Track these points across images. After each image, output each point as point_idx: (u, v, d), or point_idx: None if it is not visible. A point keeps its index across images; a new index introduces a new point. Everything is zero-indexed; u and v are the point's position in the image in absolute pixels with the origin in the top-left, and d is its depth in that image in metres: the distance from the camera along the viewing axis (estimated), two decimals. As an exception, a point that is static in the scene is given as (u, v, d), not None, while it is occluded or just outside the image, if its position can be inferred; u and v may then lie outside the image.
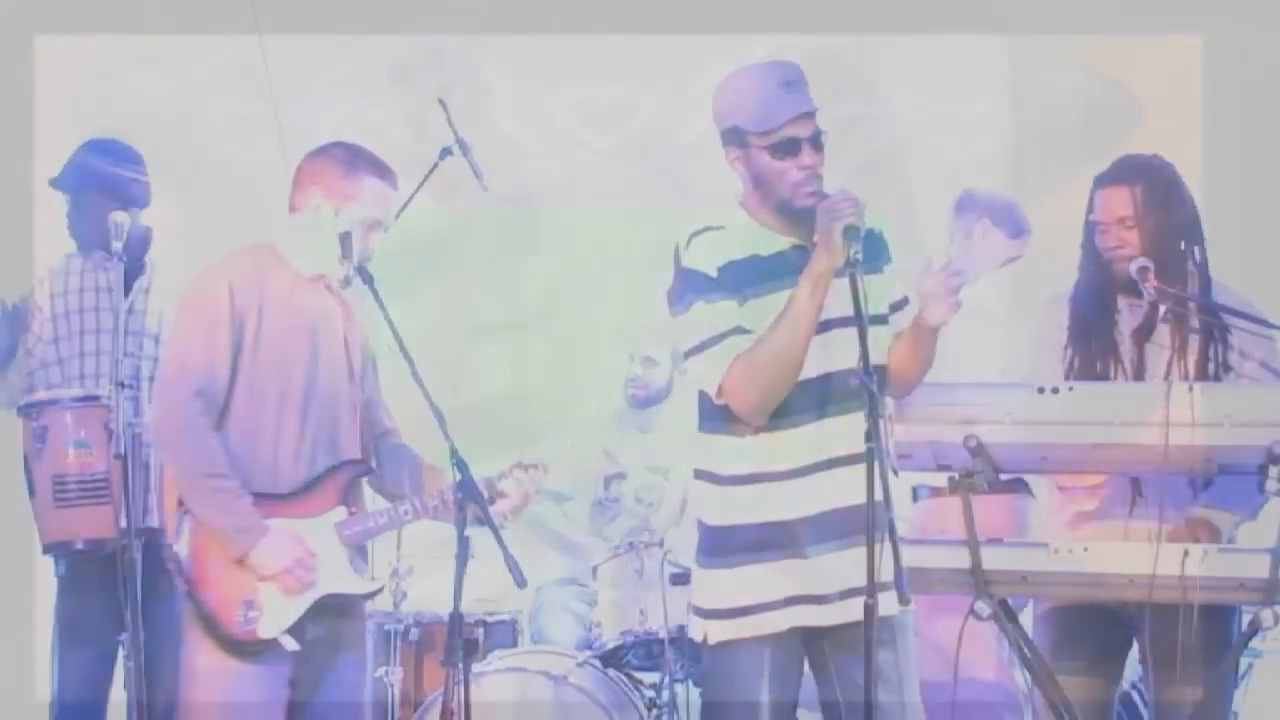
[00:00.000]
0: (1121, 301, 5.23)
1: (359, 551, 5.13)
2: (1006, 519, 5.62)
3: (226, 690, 4.95)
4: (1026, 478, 5.40)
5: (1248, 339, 5.16)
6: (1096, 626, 5.18)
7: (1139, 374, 5.17)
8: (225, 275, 5.01)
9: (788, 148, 4.50)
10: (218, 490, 4.92)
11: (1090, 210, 5.25)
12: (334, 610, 5.05)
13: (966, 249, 6.61)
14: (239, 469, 4.96)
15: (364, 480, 5.18)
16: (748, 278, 4.54)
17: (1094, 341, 5.22)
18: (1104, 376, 5.18)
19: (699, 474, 4.64)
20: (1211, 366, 5.15)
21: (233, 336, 4.96)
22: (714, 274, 4.54)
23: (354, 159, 5.08)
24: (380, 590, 5.15)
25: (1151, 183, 5.19)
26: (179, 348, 5.03)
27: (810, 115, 4.51)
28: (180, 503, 5.03)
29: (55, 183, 6.20)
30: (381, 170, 5.09)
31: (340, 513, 5.06)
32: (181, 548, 5.00)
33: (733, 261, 4.55)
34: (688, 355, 4.59)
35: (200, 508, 4.95)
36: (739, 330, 4.51)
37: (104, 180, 6.13)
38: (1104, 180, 5.24)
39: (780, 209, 4.55)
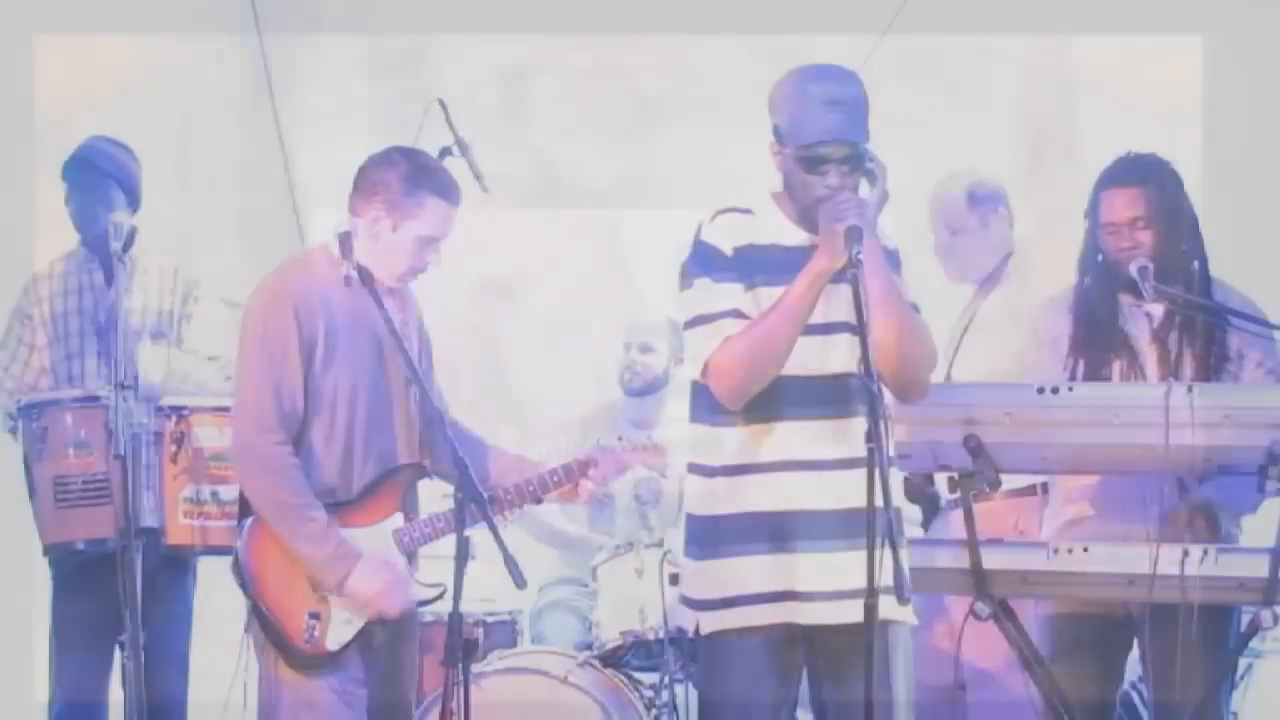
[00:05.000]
0: (1124, 303, 5.23)
1: (414, 557, 5.08)
2: (1034, 518, 5.62)
3: (310, 704, 4.93)
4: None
5: (1247, 339, 5.16)
6: (1097, 628, 5.18)
7: (1140, 376, 5.17)
8: (289, 298, 4.95)
9: (816, 163, 4.49)
10: (308, 521, 4.88)
11: (1094, 213, 5.23)
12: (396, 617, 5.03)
13: (982, 238, 6.47)
14: (311, 481, 4.92)
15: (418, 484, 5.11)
16: (762, 264, 4.55)
17: (1098, 344, 5.21)
18: (1106, 379, 5.17)
19: (690, 467, 4.66)
20: (1210, 366, 5.15)
21: (303, 360, 4.92)
22: (729, 253, 4.56)
23: (419, 175, 5.01)
24: (442, 594, 5.01)
25: (1160, 182, 5.19)
26: (253, 378, 4.95)
27: (847, 141, 4.46)
28: (240, 517, 5.01)
29: (66, 172, 6.18)
30: (444, 188, 5.04)
31: (398, 519, 5.02)
32: (245, 564, 4.96)
33: (752, 244, 4.56)
34: (685, 329, 4.61)
35: (292, 539, 4.90)
36: (735, 313, 4.52)
37: (120, 171, 6.15)
38: (1111, 182, 5.22)
39: (803, 215, 4.57)
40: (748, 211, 4.62)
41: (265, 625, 4.94)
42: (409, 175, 5.01)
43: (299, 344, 4.92)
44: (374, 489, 5.00)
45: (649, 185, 8.02)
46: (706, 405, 4.60)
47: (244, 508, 5.03)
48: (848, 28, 7.63)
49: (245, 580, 4.96)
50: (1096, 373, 5.19)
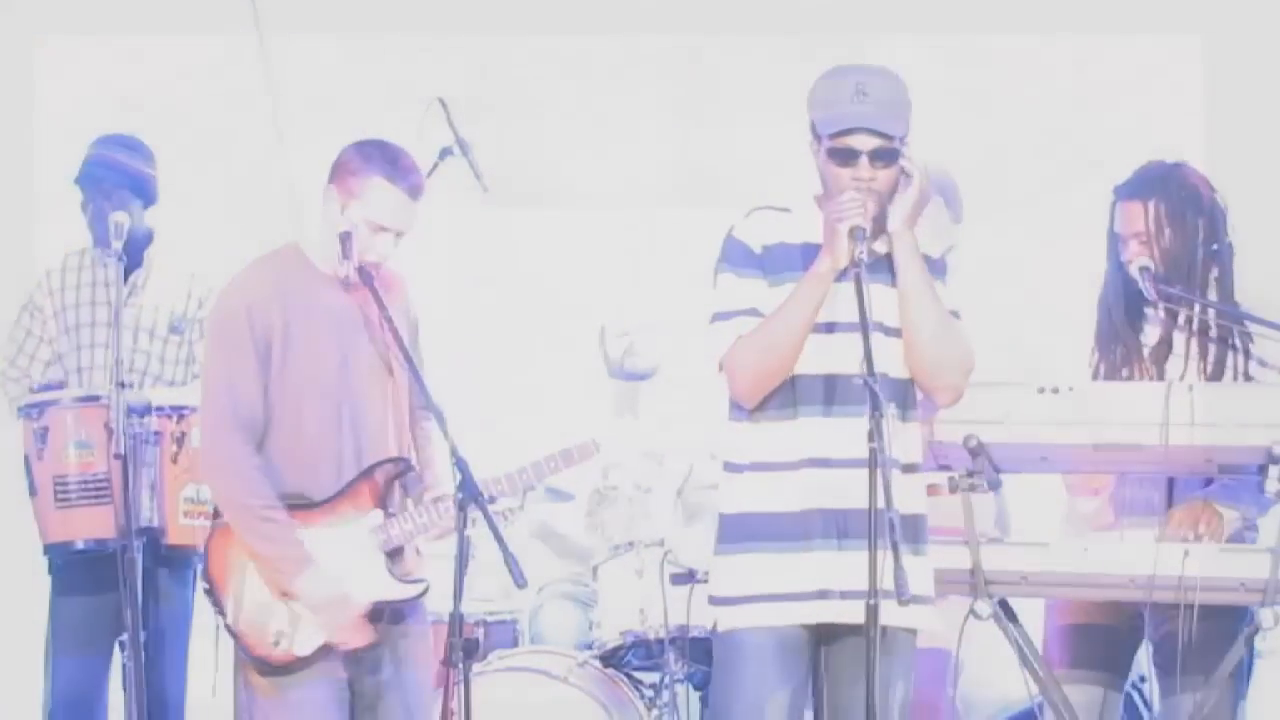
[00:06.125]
0: (1147, 310, 5.23)
1: (398, 554, 5.04)
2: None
3: (283, 706, 4.93)
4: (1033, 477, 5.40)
5: (1268, 347, 5.16)
6: (1107, 640, 5.19)
7: (1139, 375, 5.18)
8: (243, 297, 4.95)
9: (846, 155, 4.52)
10: (264, 521, 4.89)
11: (1111, 221, 5.24)
12: (382, 618, 4.99)
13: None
14: (278, 482, 4.92)
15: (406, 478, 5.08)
16: (792, 262, 4.58)
17: (1119, 348, 5.22)
18: (1126, 379, 5.17)
19: (725, 465, 4.68)
20: (1229, 375, 5.14)
21: (258, 360, 4.91)
22: (757, 250, 4.60)
23: (369, 157, 4.96)
24: (423, 593, 5.01)
25: (1168, 196, 5.18)
26: (211, 381, 4.99)
27: (877, 132, 4.49)
28: (213, 523, 5.02)
29: (81, 180, 6.17)
30: (394, 172, 4.95)
31: (377, 516, 4.99)
32: (208, 572, 4.98)
33: (783, 243, 4.60)
34: (709, 324, 4.63)
35: (248, 538, 4.92)
36: (753, 312, 4.55)
37: (132, 177, 6.15)
38: (1122, 193, 5.23)
39: None
40: (785, 210, 4.65)
41: (233, 632, 4.93)
42: (363, 156, 4.97)
43: (252, 344, 4.91)
44: (350, 487, 4.97)
45: (643, 184, 8.02)
46: (734, 403, 4.63)
47: (218, 512, 5.04)
48: (847, 28, 7.63)
49: (211, 587, 4.96)
50: (1115, 374, 5.19)
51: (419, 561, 5.10)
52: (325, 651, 4.93)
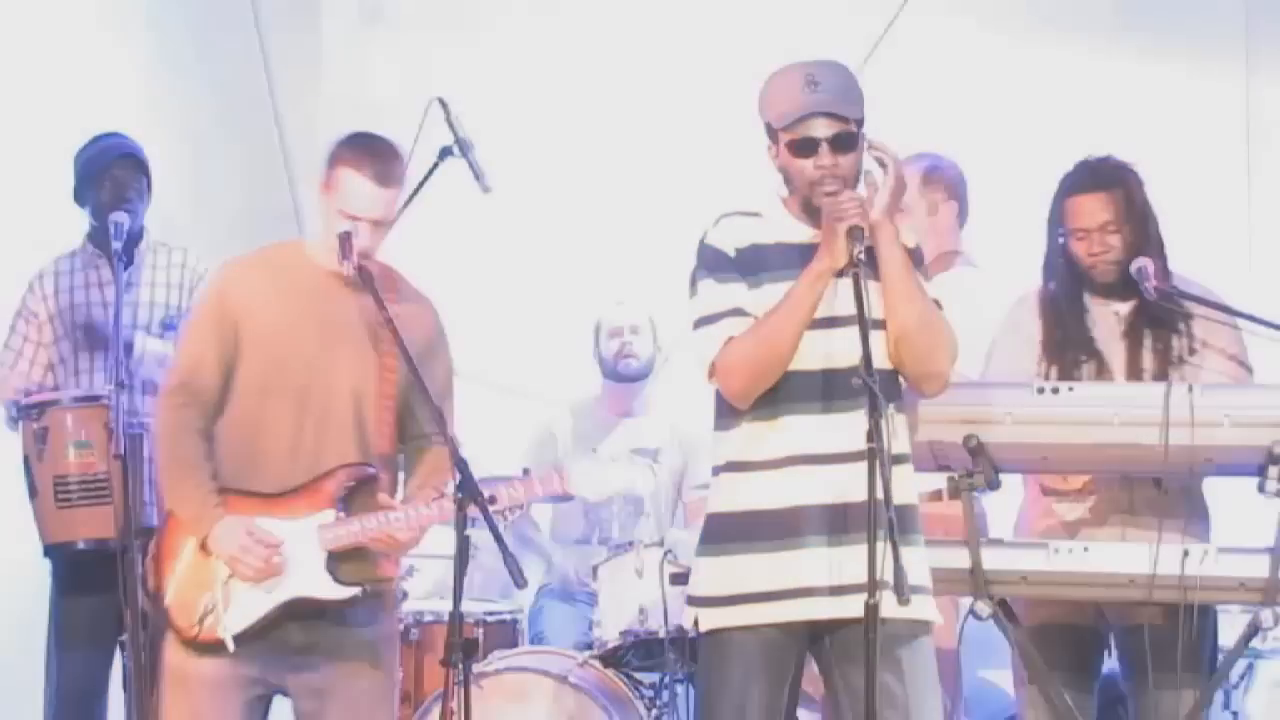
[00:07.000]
0: (1091, 303, 5.25)
1: (350, 556, 4.98)
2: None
3: (183, 682, 4.96)
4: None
5: (1208, 328, 5.18)
6: (1076, 641, 5.20)
7: (1109, 377, 5.17)
8: (225, 275, 5.04)
9: (806, 146, 4.50)
10: (183, 477, 4.94)
11: (1060, 219, 5.25)
12: (318, 617, 4.94)
13: (929, 225, 6.23)
14: (233, 466, 4.94)
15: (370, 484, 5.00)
16: (768, 263, 4.56)
17: (1068, 348, 5.23)
18: (1076, 378, 5.18)
19: (713, 469, 4.67)
20: (1175, 355, 5.17)
21: (221, 335, 4.94)
22: (732, 254, 4.58)
23: (344, 148, 4.95)
24: (354, 597, 4.92)
25: (1126, 185, 5.22)
26: (177, 345, 5.16)
27: (833, 116, 4.48)
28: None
29: (93, 192, 6.16)
30: (360, 159, 4.91)
31: (328, 516, 4.93)
32: (164, 546, 5.00)
33: (756, 245, 4.58)
34: (692, 331, 4.62)
35: (167, 493, 5.00)
36: (738, 312, 4.53)
37: (138, 180, 6.16)
38: (1078, 188, 5.24)
39: (804, 205, 4.58)
40: (753, 214, 4.63)
41: (158, 607, 4.98)
42: (341, 146, 4.97)
43: (217, 321, 4.96)
44: (309, 485, 4.94)
45: (642, 184, 8.04)
46: (720, 406, 4.61)
47: None
48: (835, 28, 7.66)
49: (155, 558, 4.99)
50: (1069, 376, 5.20)
51: (377, 567, 5.02)
52: (249, 642, 4.91)
